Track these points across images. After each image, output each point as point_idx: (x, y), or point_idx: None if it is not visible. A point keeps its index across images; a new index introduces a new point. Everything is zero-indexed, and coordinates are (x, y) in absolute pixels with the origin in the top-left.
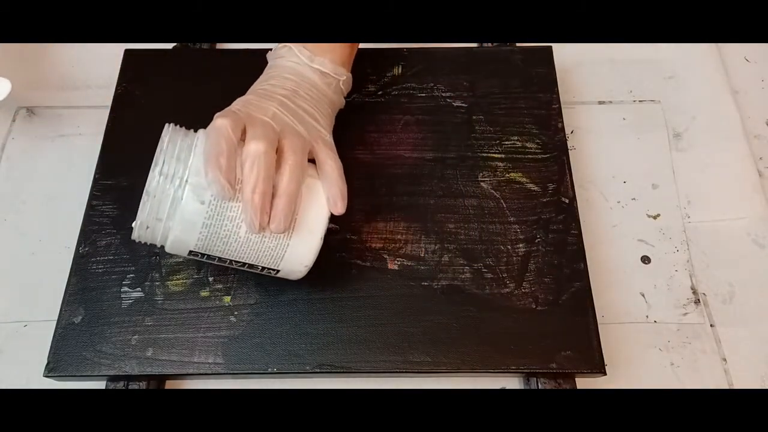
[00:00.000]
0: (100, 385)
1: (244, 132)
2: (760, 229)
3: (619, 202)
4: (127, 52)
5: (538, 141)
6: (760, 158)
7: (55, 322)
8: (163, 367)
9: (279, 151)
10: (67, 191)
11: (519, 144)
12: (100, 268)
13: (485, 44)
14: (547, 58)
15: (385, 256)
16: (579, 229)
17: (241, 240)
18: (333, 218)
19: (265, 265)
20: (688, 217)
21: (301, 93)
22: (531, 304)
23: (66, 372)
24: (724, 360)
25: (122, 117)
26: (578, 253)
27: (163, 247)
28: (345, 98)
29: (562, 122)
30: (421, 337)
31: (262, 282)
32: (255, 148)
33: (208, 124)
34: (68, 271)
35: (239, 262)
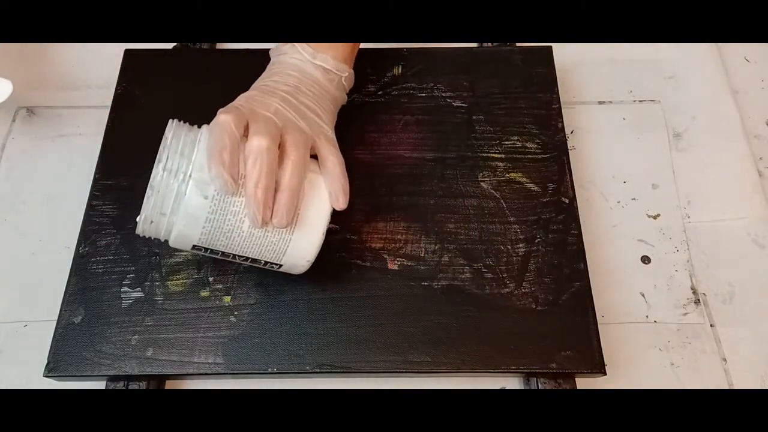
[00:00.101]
0: (100, 385)
1: (246, 128)
2: (760, 229)
3: (619, 202)
4: (127, 52)
5: (538, 141)
6: (760, 158)
7: (55, 322)
8: (163, 367)
9: (281, 147)
10: (67, 191)
11: (519, 144)
12: (100, 268)
13: (485, 44)
14: (547, 58)
15: (385, 256)
16: (579, 229)
17: (244, 235)
18: (333, 218)
19: (268, 260)
20: (688, 217)
21: (303, 89)
22: (531, 304)
23: (66, 372)
24: (724, 360)
25: (122, 117)
26: (578, 253)
27: (167, 241)
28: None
29: (562, 122)
30: (421, 337)
31: (262, 282)
32: (258, 143)
33: (208, 123)
34: (68, 271)
35: (242, 256)
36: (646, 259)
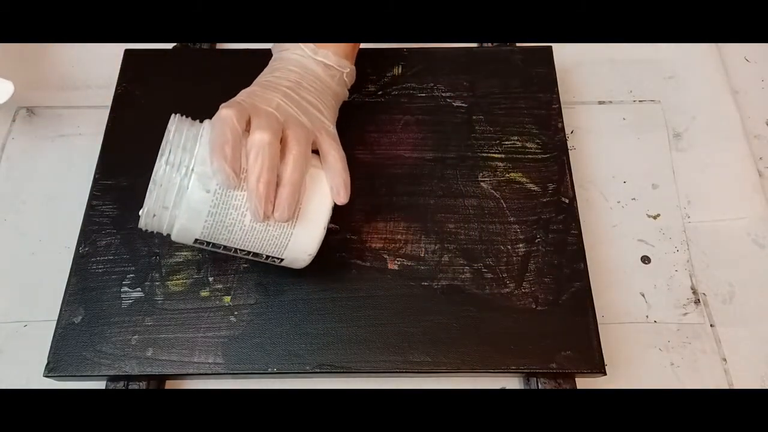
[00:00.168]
0: (100, 385)
1: (248, 123)
2: (760, 229)
3: (619, 202)
4: (127, 52)
5: (538, 141)
6: (760, 158)
7: (55, 322)
8: (163, 367)
9: (283, 142)
10: (67, 191)
11: (519, 144)
12: (100, 268)
13: (485, 44)
14: (547, 58)
15: (385, 256)
16: (579, 229)
17: (245, 228)
18: (334, 218)
19: (270, 254)
20: (688, 217)
21: (304, 85)
22: (531, 304)
23: (66, 372)
24: (724, 360)
25: (122, 117)
26: (578, 253)
27: (169, 235)
28: (346, 98)
29: (562, 122)
30: (421, 337)
31: (262, 282)
32: (260, 138)
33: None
34: (68, 271)
35: (244, 250)
36: (646, 259)
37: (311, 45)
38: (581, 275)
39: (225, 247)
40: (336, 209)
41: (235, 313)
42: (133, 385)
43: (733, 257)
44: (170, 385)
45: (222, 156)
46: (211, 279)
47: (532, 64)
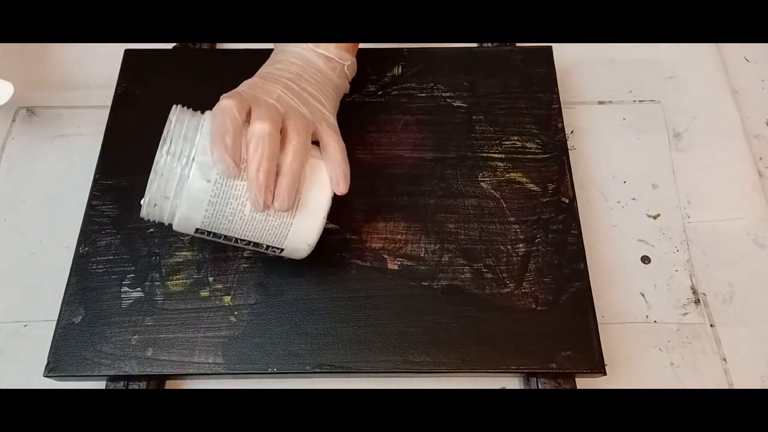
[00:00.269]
0: (100, 385)
1: (249, 113)
2: (760, 229)
3: (619, 202)
4: (127, 52)
5: (538, 141)
6: (760, 158)
7: (55, 322)
8: (163, 367)
9: (283, 132)
10: (67, 191)
11: (519, 144)
12: (100, 268)
13: (485, 44)
14: (547, 58)
15: (385, 256)
16: (579, 229)
17: (246, 218)
18: (333, 218)
19: (270, 244)
20: (688, 217)
21: (305, 77)
22: (531, 304)
23: (66, 372)
24: (724, 360)
25: (122, 117)
26: (578, 253)
27: (170, 226)
28: (346, 98)
29: (562, 122)
30: (421, 337)
31: (262, 282)
32: (260, 128)
33: None
34: (68, 271)
35: (244, 240)
36: (646, 259)
37: None
38: (581, 275)
39: (226, 237)
40: (336, 209)
41: (235, 313)
42: (133, 385)
43: (733, 257)
44: (170, 385)
45: (222, 146)
46: (211, 279)
47: (532, 64)
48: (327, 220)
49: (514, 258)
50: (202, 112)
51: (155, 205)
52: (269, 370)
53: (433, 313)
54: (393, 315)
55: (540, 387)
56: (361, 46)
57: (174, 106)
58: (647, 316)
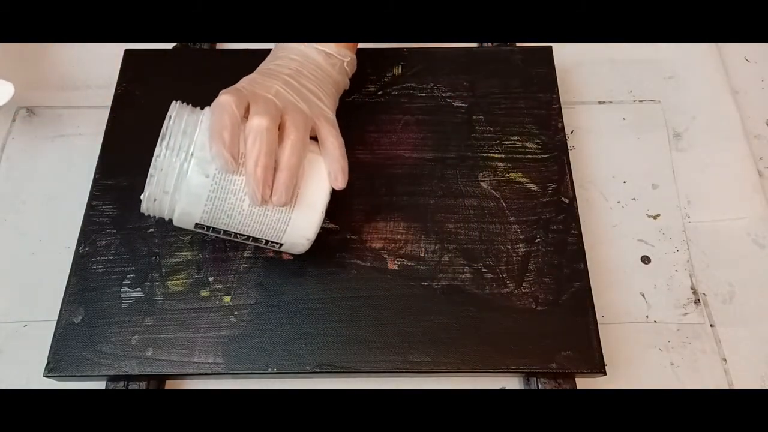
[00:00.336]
0: (100, 385)
1: (247, 109)
2: (760, 229)
3: (619, 202)
4: (127, 52)
5: (538, 141)
6: (760, 158)
7: (55, 322)
8: (163, 367)
9: (281, 127)
10: (67, 191)
11: (519, 144)
12: (100, 268)
13: (485, 44)
14: (547, 58)
15: (385, 256)
16: (579, 229)
17: (244, 213)
18: (334, 218)
19: (269, 239)
20: (688, 217)
21: (305, 73)
22: (531, 304)
23: (66, 372)
24: (724, 360)
25: (122, 117)
26: (578, 253)
27: (170, 221)
28: (346, 98)
29: (562, 122)
30: (421, 337)
31: (262, 282)
32: (257, 123)
33: None
34: (68, 271)
35: (243, 235)
36: (646, 259)
37: None
38: (581, 275)
39: (225, 232)
40: (336, 209)
41: (235, 313)
42: (133, 385)
43: (733, 257)
44: (170, 385)
45: (220, 141)
46: (211, 279)
47: (532, 64)
48: (327, 220)
49: (514, 258)
50: (202, 108)
51: (155, 200)
52: (269, 370)
53: (433, 313)
54: (393, 315)
55: (540, 387)
56: (362, 46)
57: (174, 102)
58: (647, 316)
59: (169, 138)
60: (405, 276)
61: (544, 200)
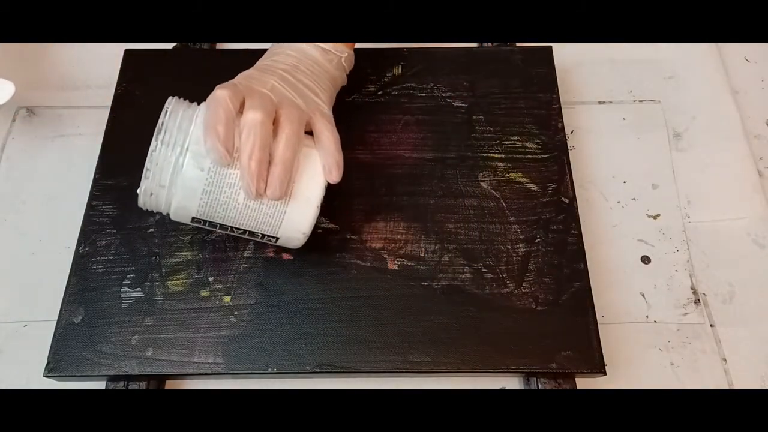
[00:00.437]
0: (100, 385)
1: (243, 104)
2: (760, 229)
3: (619, 202)
4: (127, 52)
5: (538, 141)
6: (760, 158)
7: (55, 322)
8: (163, 367)
9: (276, 122)
10: (67, 191)
11: (519, 144)
12: (100, 268)
13: (485, 44)
14: (547, 58)
15: (385, 256)
16: (579, 229)
17: (240, 206)
18: (334, 218)
19: (265, 233)
20: (688, 217)
21: (301, 68)
22: (531, 304)
23: (66, 372)
24: (724, 360)
25: (122, 117)
26: (578, 253)
27: (168, 215)
28: (346, 98)
29: (562, 122)
30: (421, 337)
31: (262, 282)
32: (252, 117)
33: None
34: (68, 271)
35: (239, 228)
36: (646, 259)
37: None
38: (581, 275)
39: (221, 226)
40: (336, 209)
41: (235, 313)
42: (133, 385)
43: (733, 257)
44: (170, 385)
45: (215, 135)
46: (211, 279)
47: (532, 64)
48: (327, 220)
49: (514, 258)
50: (199, 104)
51: (151, 194)
52: (269, 370)
53: (433, 313)
54: (393, 315)
55: (540, 387)
56: (362, 46)
57: (170, 97)
58: (647, 316)
59: (165, 132)
60: (405, 276)
61: (544, 200)
